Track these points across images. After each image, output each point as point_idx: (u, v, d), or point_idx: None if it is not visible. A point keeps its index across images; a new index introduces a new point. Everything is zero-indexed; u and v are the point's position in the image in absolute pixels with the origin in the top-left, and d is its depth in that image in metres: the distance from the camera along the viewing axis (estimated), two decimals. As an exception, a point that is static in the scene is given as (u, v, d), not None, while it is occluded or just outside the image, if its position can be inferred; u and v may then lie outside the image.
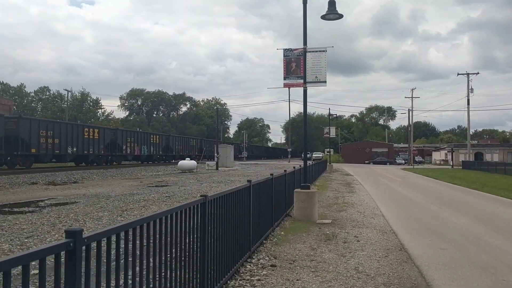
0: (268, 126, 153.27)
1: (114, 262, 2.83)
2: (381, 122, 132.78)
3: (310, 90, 18.07)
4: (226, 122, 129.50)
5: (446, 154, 78.15)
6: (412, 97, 75.02)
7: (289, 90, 67.15)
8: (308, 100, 11.71)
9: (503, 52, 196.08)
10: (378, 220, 10.81)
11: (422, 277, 5.87)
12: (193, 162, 35.54)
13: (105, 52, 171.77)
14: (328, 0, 11.22)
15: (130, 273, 2.91)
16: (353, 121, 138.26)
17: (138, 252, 2.99)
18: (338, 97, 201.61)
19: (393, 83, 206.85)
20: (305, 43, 11.25)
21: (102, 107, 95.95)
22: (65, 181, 22.18)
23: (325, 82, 11.43)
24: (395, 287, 5.45)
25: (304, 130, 12.08)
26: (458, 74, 60.14)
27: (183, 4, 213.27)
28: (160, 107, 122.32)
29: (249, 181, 6.61)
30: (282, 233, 8.77)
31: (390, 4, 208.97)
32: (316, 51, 11.37)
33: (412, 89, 75.56)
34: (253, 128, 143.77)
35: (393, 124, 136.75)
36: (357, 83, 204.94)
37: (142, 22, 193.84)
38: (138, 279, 2.96)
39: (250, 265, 6.20)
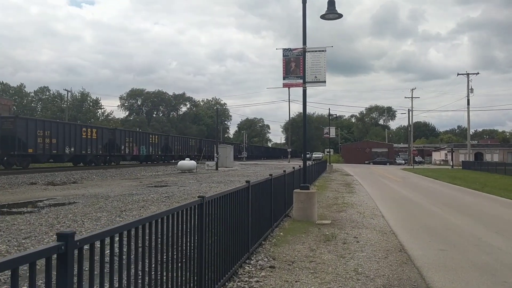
0: (268, 126, 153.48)
1: (108, 265, 2.78)
2: (381, 122, 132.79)
3: (310, 90, 18.06)
4: (226, 122, 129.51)
5: (446, 154, 78.14)
6: (412, 97, 75.19)
7: (289, 90, 67.22)
8: (307, 100, 11.69)
9: (503, 52, 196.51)
10: (378, 220, 10.77)
11: (422, 278, 5.83)
12: (193, 162, 35.50)
13: (105, 52, 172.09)
14: (328, 0, 11.19)
15: (125, 276, 2.86)
16: (353, 121, 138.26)
17: (133, 255, 2.94)
18: (338, 97, 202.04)
19: (393, 83, 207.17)
20: (304, 43, 11.21)
21: (102, 107, 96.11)
22: (64, 181, 22.15)
23: (325, 82, 11.42)
24: (395, 289, 5.40)
25: (304, 130, 12.05)
26: (458, 74, 60.23)
27: (183, 4, 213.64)
28: (160, 107, 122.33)
29: (247, 181, 6.57)
30: (281, 234, 8.73)
31: (390, 4, 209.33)
32: (316, 51, 11.34)
33: (412, 89, 75.78)
34: (253, 128, 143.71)
35: (393, 124, 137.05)
36: (357, 83, 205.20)
37: (142, 22, 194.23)
38: (133, 281, 2.91)
39: (248, 266, 6.16)
